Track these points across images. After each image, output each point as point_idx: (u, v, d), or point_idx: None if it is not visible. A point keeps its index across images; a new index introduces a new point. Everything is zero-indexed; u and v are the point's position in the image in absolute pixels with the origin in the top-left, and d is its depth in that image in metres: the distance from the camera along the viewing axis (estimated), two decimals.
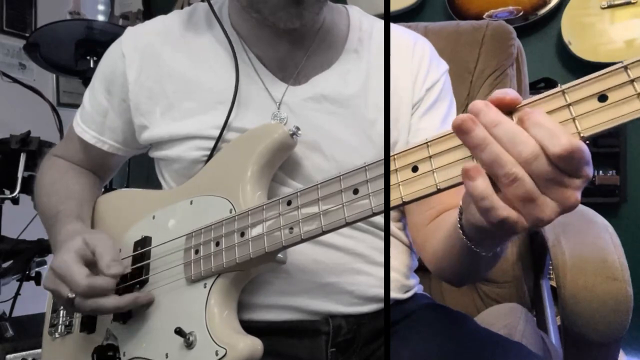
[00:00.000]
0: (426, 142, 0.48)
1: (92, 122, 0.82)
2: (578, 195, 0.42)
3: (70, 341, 0.76)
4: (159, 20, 0.80)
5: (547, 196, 0.42)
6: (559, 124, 0.41)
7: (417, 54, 0.79)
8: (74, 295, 0.63)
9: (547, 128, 0.40)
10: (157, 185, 0.82)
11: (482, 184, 0.43)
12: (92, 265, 0.65)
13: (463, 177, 0.44)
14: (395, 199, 0.49)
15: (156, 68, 0.76)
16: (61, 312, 0.79)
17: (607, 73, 0.41)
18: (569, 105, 0.42)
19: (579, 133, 0.41)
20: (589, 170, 0.41)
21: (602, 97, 0.41)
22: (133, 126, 0.78)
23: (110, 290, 0.64)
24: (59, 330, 0.78)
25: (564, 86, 0.42)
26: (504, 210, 0.42)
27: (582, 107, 0.41)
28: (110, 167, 0.90)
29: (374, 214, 0.51)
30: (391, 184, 0.49)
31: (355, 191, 0.52)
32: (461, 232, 0.55)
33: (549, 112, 0.42)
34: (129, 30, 0.80)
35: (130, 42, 0.78)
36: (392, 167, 0.49)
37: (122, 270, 0.65)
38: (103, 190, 0.91)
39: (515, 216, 0.43)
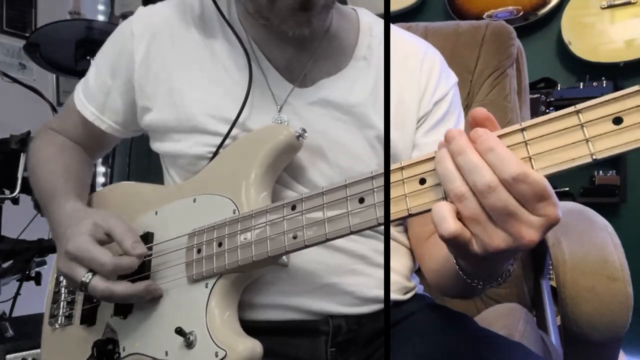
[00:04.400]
0: (434, 155, 0.47)
1: (94, 99, 0.81)
2: (533, 234, 0.42)
3: (69, 333, 0.77)
4: (171, 4, 0.79)
5: (500, 227, 0.42)
6: (510, 151, 0.42)
7: (426, 64, 0.77)
8: (89, 279, 0.63)
9: (500, 153, 0.41)
10: (157, 179, 0.82)
11: (444, 152, 0.45)
12: (104, 246, 0.65)
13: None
14: (401, 210, 0.48)
15: (164, 51, 0.75)
16: (62, 303, 0.79)
17: (623, 95, 0.40)
18: (582, 126, 0.41)
19: (591, 155, 0.40)
20: (549, 209, 0.41)
21: (617, 120, 0.40)
22: (135, 108, 0.77)
23: (133, 270, 0.64)
24: (59, 321, 0.78)
25: (579, 106, 0.41)
26: (458, 182, 0.43)
27: (596, 129, 0.40)
28: (104, 146, 0.90)
29: (380, 224, 0.50)
30: (398, 195, 0.48)
31: (361, 200, 0.51)
32: (457, 266, 0.56)
33: (562, 131, 0.42)
34: (141, 10, 0.78)
35: (141, 21, 0.77)
36: (399, 178, 0.48)
37: (145, 250, 0.65)
38: (104, 184, 0.91)
39: (447, 211, 0.44)
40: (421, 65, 0.77)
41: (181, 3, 0.78)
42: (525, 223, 0.42)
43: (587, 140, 0.41)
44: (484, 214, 0.42)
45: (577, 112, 0.41)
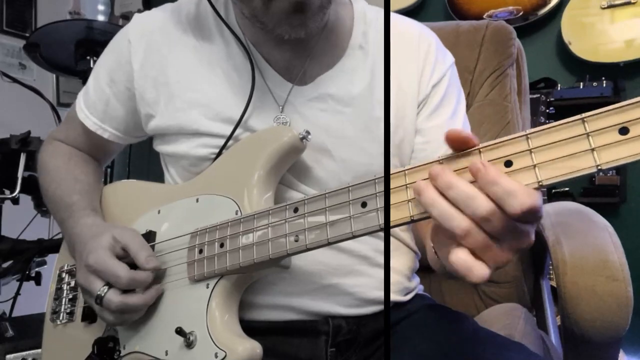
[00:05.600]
0: (439, 160, 0.47)
1: (95, 108, 0.81)
2: (532, 236, 0.45)
3: (70, 330, 0.77)
4: (167, 9, 0.79)
5: (503, 244, 0.44)
6: (514, 182, 0.42)
7: (422, 46, 0.77)
8: (104, 293, 0.64)
9: (504, 187, 0.41)
10: (158, 178, 0.82)
11: (430, 194, 0.44)
12: (122, 260, 0.66)
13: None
14: (404, 217, 0.48)
15: (162, 57, 0.75)
16: (64, 300, 0.79)
17: (629, 105, 0.39)
18: (588, 135, 0.41)
19: (597, 166, 0.40)
20: (538, 216, 0.43)
21: (624, 130, 0.39)
22: (136, 115, 0.78)
23: (147, 284, 0.65)
24: (61, 318, 0.78)
25: (585, 115, 0.41)
26: (459, 219, 0.43)
27: (602, 139, 0.40)
28: (109, 153, 0.91)
29: (381, 230, 0.50)
30: (401, 200, 0.48)
31: (364, 204, 0.51)
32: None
33: (567, 140, 0.41)
34: (137, 17, 0.79)
35: (137, 29, 0.77)
36: (402, 183, 0.48)
37: (159, 264, 0.66)
38: (104, 184, 0.91)
39: (471, 260, 0.44)
40: (417, 47, 0.76)
41: (177, 7, 0.78)
42: (524, 232, 0.44)
43: (592, 150, 0.40)
44: (490, 239, 0.43)
45: (583, 121, 0.41)
